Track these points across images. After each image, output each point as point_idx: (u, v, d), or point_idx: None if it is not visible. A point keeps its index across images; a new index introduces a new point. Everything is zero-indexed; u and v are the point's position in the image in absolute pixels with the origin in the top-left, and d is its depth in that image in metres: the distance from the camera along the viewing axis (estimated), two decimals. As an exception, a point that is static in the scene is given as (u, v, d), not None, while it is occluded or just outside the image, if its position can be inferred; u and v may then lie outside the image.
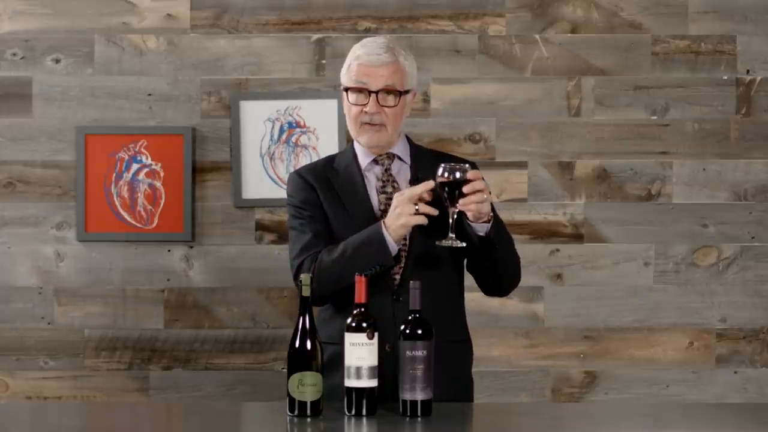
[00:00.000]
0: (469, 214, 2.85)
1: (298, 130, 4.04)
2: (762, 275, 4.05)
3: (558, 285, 4.05)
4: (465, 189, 2.79)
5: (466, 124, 4.07)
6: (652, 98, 4.06)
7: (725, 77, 4.07)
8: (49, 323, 4.06)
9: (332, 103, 4.01)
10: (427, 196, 2.84)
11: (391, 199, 2.98)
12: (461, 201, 2.80)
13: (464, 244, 2.83)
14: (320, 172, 3.06)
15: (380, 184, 3.01)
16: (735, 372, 4.05)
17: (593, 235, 4.05)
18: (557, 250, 4.05)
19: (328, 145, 3.98)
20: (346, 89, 2.99)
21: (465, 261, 3.06)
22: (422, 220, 2.84)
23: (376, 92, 2.95)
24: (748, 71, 4.06)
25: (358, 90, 2.97)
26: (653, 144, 4.06)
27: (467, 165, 2.83)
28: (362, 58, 2.98)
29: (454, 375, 2.95)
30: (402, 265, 2.95)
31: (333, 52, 4.05)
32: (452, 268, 3.03)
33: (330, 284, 2.90)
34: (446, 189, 2.79)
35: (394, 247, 2.87)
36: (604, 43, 4.06)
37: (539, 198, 4.05)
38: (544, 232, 4.05)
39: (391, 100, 2.96)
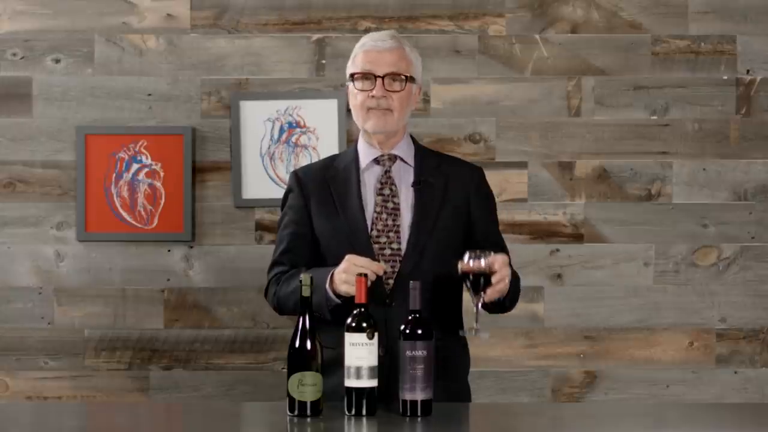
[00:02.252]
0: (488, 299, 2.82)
1: (298, 130, 4.04)
2: (762, 275, 4.05)
3: (558, 285, 4.05)
4: (493, 279, 2.75)
5: (466, 124, 4.07)
6: (652, 98, 4.06)
7: (725, 77, 4.07)
8: (49, 323, 4.06)
9: (332, 103, 4.01)
10: (374, 276, 2.81)
11: (387, 201, 2.98)
12: (488, 291, 2.76)
13: (488, 335, 2.76)
14: (319, 173, 3.07)
15: (378, 185, 3.00)
16: (735, 372, 4.05)
17: (593, 235, 4.05)
18: (557, 250, 4.05)
19: (328, 145, 3.98)
20: (352, 76, 2.99)
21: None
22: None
23: (383, 77, 2.95)
24: (748, 71, 4.06)
25: (365, 76, 2.97)
26: (653, 144, 4.06)
27: (490, 253, 2.76)
28: (368, 45, 2.99)
29: (450, 382, 2.93)
30: (396, 270, 2.95)
31: (333, 52, 4.05)
32: (449, 277, 3.01)
33: (288, 311, 3.00)
34: (470, 278, 2.74)
35: (334, 299, 2.87)
36: (604, 43, 4.06)
37: (539, 198, 4.05)
38: (544, 232, 4.05)
39: (397, 85, 2.97)
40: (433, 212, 2.98)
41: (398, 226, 2.97)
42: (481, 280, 2.74)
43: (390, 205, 2.98)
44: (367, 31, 4.02)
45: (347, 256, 2.85)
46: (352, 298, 2.75)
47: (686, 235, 4.06)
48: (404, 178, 3.02)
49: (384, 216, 2.97)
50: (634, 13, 4.06)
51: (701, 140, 4.07)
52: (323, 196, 3.02)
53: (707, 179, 4.06)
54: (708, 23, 4.06)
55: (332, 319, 2.85)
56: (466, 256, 2.75)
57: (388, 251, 2.95)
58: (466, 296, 3.08)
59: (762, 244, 4.05)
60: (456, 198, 3.02)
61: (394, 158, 3.03)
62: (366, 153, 3.04)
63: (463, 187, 3.04)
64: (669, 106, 4.06)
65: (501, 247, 3.07)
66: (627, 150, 4.06)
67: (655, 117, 4.07)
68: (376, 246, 2.95)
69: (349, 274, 2.81)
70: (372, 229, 2.96)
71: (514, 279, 2.93)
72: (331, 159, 3.14)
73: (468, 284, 2.75)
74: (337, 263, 2.88)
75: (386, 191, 2.99)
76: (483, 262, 2.73)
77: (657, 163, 4.06)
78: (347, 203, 2.99)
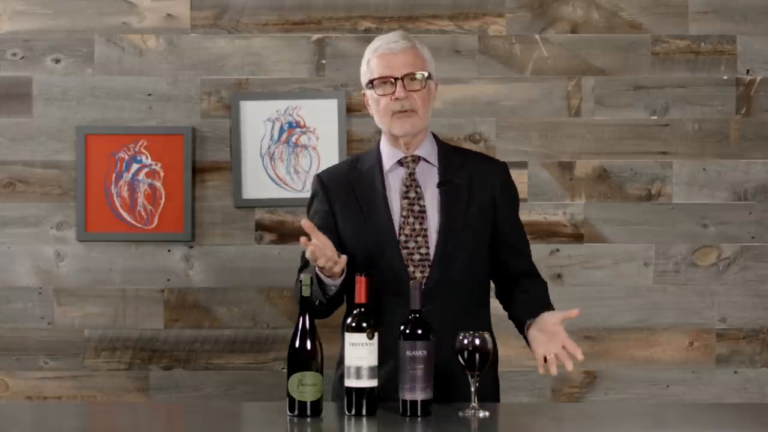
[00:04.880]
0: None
1: (298, 130, 4.04)
2: (762, 275, 4.05)
3: (558, 285, 4.05)
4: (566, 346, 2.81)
5: (466, 124, 4.07)
6: (652, 98, 4.06)
7: (725, 77, 4.07)
8: (49, 323, 4.06)
9: (332, 103, 4.01)
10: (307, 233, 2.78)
11: (413, 204, 2.95)
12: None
13: (487, 413, 2.72)
14: (342, 176, 3.03)
15: (404, 188, 2.97)
16: (735, 372, 4.05)
17: (593, 235, 4.05)
18: (557, 250, 4.05)
19: (328, 145, 3.98)
20: (371, 82, 2.96)
21: (492, 283, 3.10)
22: (309, 254, 2.77)
23: (402, 78, 2.93)
24: (748, 71, 4.06)
25: (383, 81, 2.95)
26: (653, 144, 4.07)
27: (487, 335, 2.72)
28: (381, 48, 2.97)
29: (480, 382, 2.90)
30: (426, 275, 2.92)
31: (333, 52, 4.05)
32: (478, 279, 3.00)
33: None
34: (465, 356, 2.69)
35: (330, 282, 2.83)
36: (604, 43, 4.06)
37: (539, 198, 4.05)
38: (544, 232, 4.05)
39: (416, 84, 2.95)
40: (461, 214, 2.95)
41: (425, 230, 2.94)
42: (476, 357, 2.70)
43: (416, 208, 2.95)
44: (367, 30, 4.02)
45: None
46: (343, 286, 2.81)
47: (686, 235, 4.06)
48: (429, 179, 2.99)
49: (411, 220, 2.94)
50: (634, 13, 4.06)
51: (701, 140, 4.07)
52: (348, 200, 2.98)
53: (707, 179, 4.06)
54: (708, 23, 4.06)
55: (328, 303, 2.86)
56: (461, 336, 2.71)
57: (417, 256, 2.93)
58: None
59: (762, 244, 4.05)
60: (481, 196, 2.99)
61: (417, 159, 3.00)
62: (389, 155, 3.01)
63: (488, 184, 3.02)
64: (669, 106, 4.06)
65: (525, 245, 3.11)
66: (627, 150, 4.06)
67: (655, 117, 4.07)
68: (404, 251, 2.92)
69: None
70: (400, 234, 2.93)
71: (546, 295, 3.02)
72: (354, 161, 3.09)
73: (463, 362, 2.71)
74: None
75: (411, 194, 2.96)
76: (477, 341, 2.71)
77: (657, 163, 4.06)
78: (373, 207, 2.95)
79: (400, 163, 3.00)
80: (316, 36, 4.07)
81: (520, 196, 4.01)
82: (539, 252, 4.03)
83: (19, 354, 4.06)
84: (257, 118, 4.03)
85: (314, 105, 4.03)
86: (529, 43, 4.06)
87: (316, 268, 2.81)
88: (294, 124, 4.04)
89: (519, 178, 4.03)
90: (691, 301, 4.05)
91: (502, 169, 3.09)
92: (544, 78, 4.06)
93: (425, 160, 3.01)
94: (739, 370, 4.05)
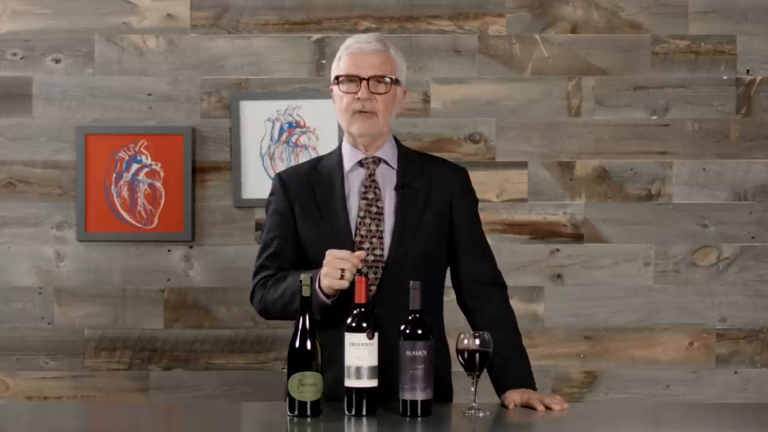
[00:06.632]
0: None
1: (298, 130, 4.04)
2: (762, 275, 4.05)
3: (558, 285, 4.05)
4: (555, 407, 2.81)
5: (466, 124, 4.07)
6: (652, 98, 4.06)
7: (725, 77, 4.07)
8: (49, 323, 4.06)
9: (332, 103, 4.00)
10: (356, 266, 2.79)
11: (371, 205, 2.95)
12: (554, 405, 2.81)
13: (488, 413, 2.72)
14: (303, 176, 3.02)
15: (362, 189, 2.97)
16: (735, 372, 4.05)
17: (593, 235, 4.05)
18: (557, 250, 4.05)
19: (328, 145, 3.95)
20: (337, 78, 2.97)
21: (450, 271, 3.07)
22: (344, 285, 2.79)
23: (367, 79, 2.94)
24: (748, 71, 4.06)
25: (349, 79, 2.95)
26: (653, 144, 4.07)
27: (487, 335, 2.71)
28: (352, 47, 2.98)
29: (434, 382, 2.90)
30: (378, 276, 2.93)
31: (333, 52, 4.01)
32: (431, 280, 2.97)
33: (275, 316, 3.03)
34: (466, 356, 2.69)
35: (323, 299, 2.82)
36: (604, 43, 4.06)
37: (539, 198, 4.05)
38: (544, 232, 4.05)
39: (382, 87, 2.94)
40: (415, 217, 2.95)
41: (381, 231, 2.93)
42: (476, 358, 2.70)
43: (374, 209, 2.95)
44: (366, 31, 4.02)
45: (328, 251, 2.82)
46: (342, 295, 2.76)
47: (686, 235, 4.06)
48: (388, 181, 2.99)
49: (368, 221, 2.94)
50: (634, 13, 4.06)
51: (701, 140, 4.07)
52: (307, 200, 2.98)
53: (707, 179, 4.06)
54: (708, 23, 4.06)
55: (322, 319, 2.82)
56: (461, 336, 2.70)
57: (371, 257, 2.91)
58: (445, 298, 3.08)
59: (762, 244, 4.05)
60: (438, 202, 2.98)
61: (378, 161, 3.00)
62: (350, 155, 3.00)
63: (446, 190, 3.00)
64: (669, 106, 4.06)
65: (486, 250, 3.06)
66: (627, 150, 4.06)
67: (655, 117, 4.07)
68: (359, 252, 2.92)
69: (330, 268, 2.79)
70: (356, 235, 2.93)
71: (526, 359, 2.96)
72: (316, 161, 3.09)
73: (463, 363, 2.70)
74: (320, 267, 2.84)
75: (370, 195, 2.96)
76: (478, 341, 2.70)
77: (657, 163, 4.06)
78: (331, 208, 2.95)
79: (360, 164, 3.00)
80: (316, 36, 4.07)
81: (520, 195, 4.04)
82: (539, 252, 4.03)
83: (19, 354, 4.06)
84: (257, 118, 4.04)
85: (314, 105, 4.03)
86: (529, 43, 4.07)
87: (319, 286, 2.82)
88: (294, 124, 4.04)
89: (519, 178, 4.05)
90: (691, 301, 4.05)
91: (462, 174, 3.06)
92: (544, 78, 4.06)
93: (385, 162, 3.00)
94: (739, 370, 4.05)
